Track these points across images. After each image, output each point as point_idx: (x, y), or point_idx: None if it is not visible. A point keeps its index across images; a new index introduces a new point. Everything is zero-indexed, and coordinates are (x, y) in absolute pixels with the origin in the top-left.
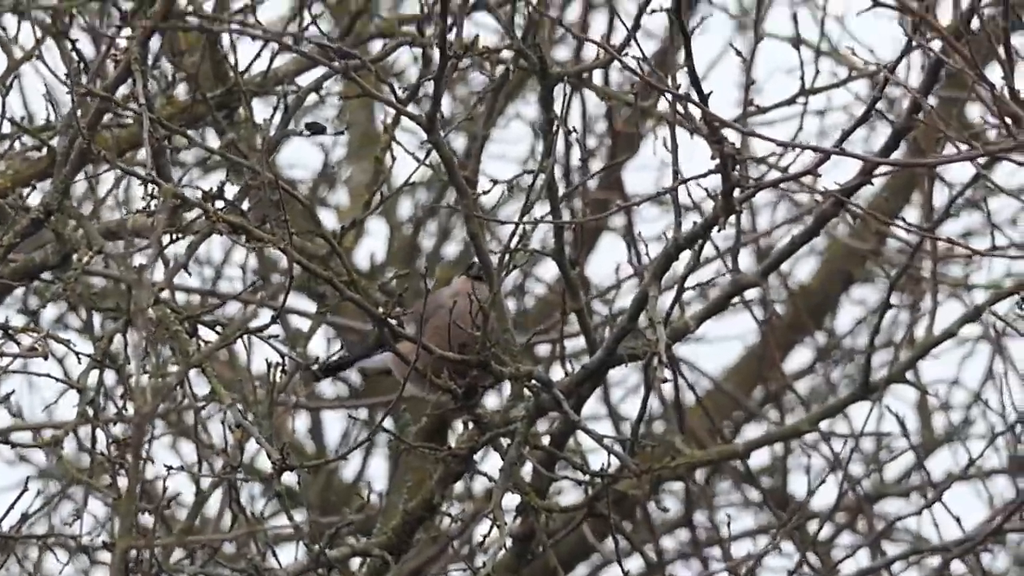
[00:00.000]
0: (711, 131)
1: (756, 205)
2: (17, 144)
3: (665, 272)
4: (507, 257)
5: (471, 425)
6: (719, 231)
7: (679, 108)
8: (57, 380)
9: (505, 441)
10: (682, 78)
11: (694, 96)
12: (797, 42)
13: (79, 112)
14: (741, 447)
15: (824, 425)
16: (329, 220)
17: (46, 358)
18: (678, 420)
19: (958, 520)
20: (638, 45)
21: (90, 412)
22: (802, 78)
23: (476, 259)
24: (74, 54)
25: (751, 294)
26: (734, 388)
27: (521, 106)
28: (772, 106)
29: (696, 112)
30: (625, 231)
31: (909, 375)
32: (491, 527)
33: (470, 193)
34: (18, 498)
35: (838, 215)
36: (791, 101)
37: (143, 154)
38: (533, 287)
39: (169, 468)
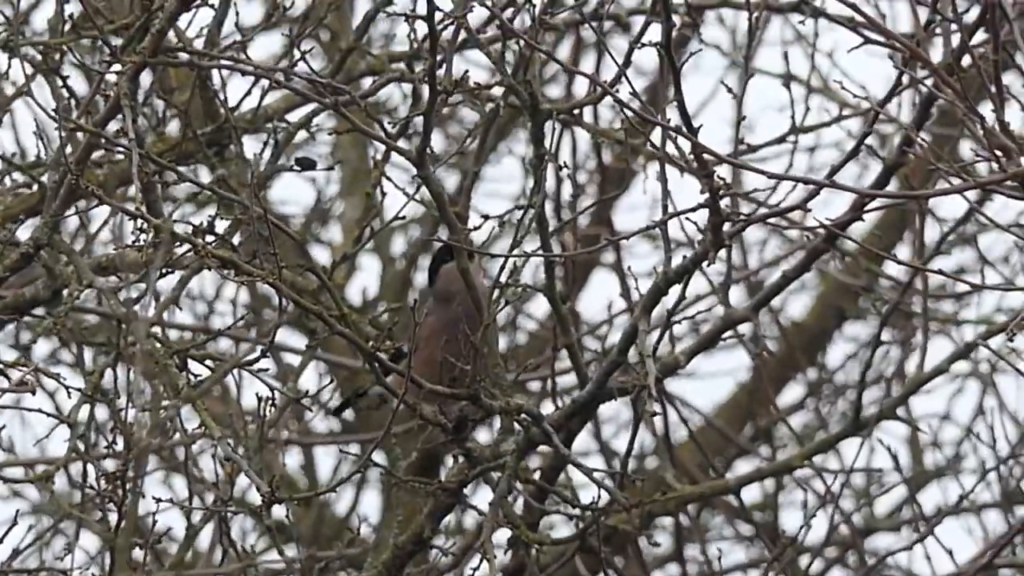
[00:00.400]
0: (700, 164)
1: (747, 242)
2: (7, 180)
3: (655, 306)
4: (497, 292)
5: (461, 459)
6: (709, 265)
7: (669, 143)
8: (48, 415)
9: (496, 475)
10: (672, 114)
11: (683, 130)
12: (788, 79)
13: (68, 148)
14: (732, 482)
15: (816, 460)
16: (322, 256)
17: (34, 393)
18: (668, 455)
19: (950, 553)
20: (628, 80)
21: (81, 447)
22: (792, 116)
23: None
24: (64, 91)
25: (744, 330)
26: (725, 424)
27: (513, 143)
28: (762, 144)
29: (686, 146)
30: (615, 266)
31: (900, 411)
32: (481, 561)
33: (460, 228)
34: (7, 532)
35: (829, 251)
36: (782, 139)
37: (133, 190)
38: (524, 323)
39: (159, 500)
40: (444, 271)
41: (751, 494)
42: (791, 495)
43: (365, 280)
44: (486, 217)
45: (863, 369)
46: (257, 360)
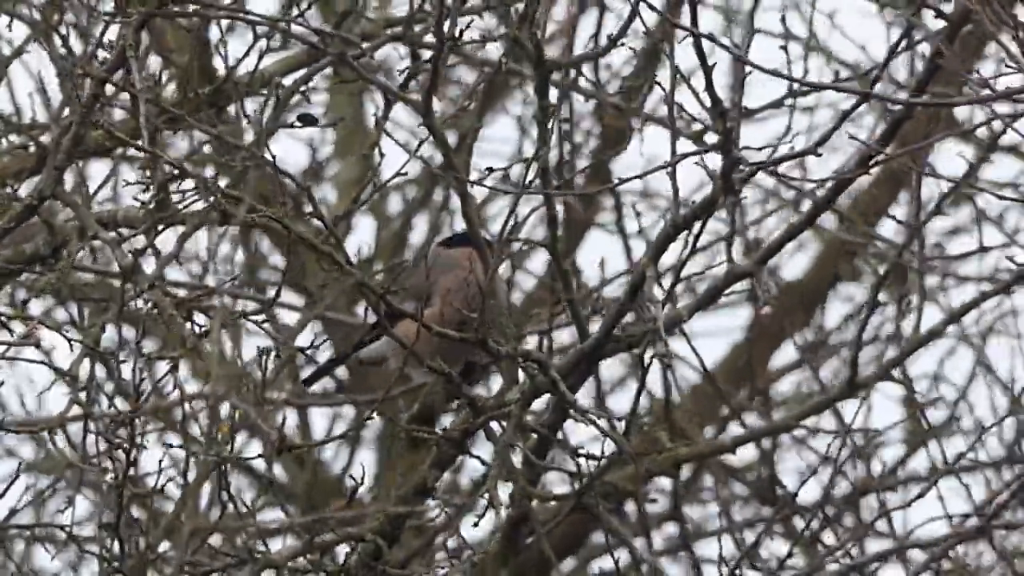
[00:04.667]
0: (714, 104)
1: (746, 203)
2: (4, 141)
3: (663, 253)
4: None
5: (465, 409)
6: (718, 210)
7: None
8: (50, 367)
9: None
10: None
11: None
12: (786, 41)
13: (75, 99)
14: (729, 442)
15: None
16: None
17: (39, 345)
18: (666, 414)
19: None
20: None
21: (83, 398)
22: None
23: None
24: (63, 48)
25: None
26: (722, 382)
27: (510, 103)
28: (760, 107)
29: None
30: (616, 221)
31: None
32: (486, 510)
33: (465, 178)
34: (7, 488)
35: (831, 206)
36: (779, 103)
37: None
38: (523, 280)
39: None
40: (442, 253)
41: (745, 453)
42: (785, 453)
43: (360, 239)
44: (490, 169)
45: (858, 334)
46: (261, 311)
